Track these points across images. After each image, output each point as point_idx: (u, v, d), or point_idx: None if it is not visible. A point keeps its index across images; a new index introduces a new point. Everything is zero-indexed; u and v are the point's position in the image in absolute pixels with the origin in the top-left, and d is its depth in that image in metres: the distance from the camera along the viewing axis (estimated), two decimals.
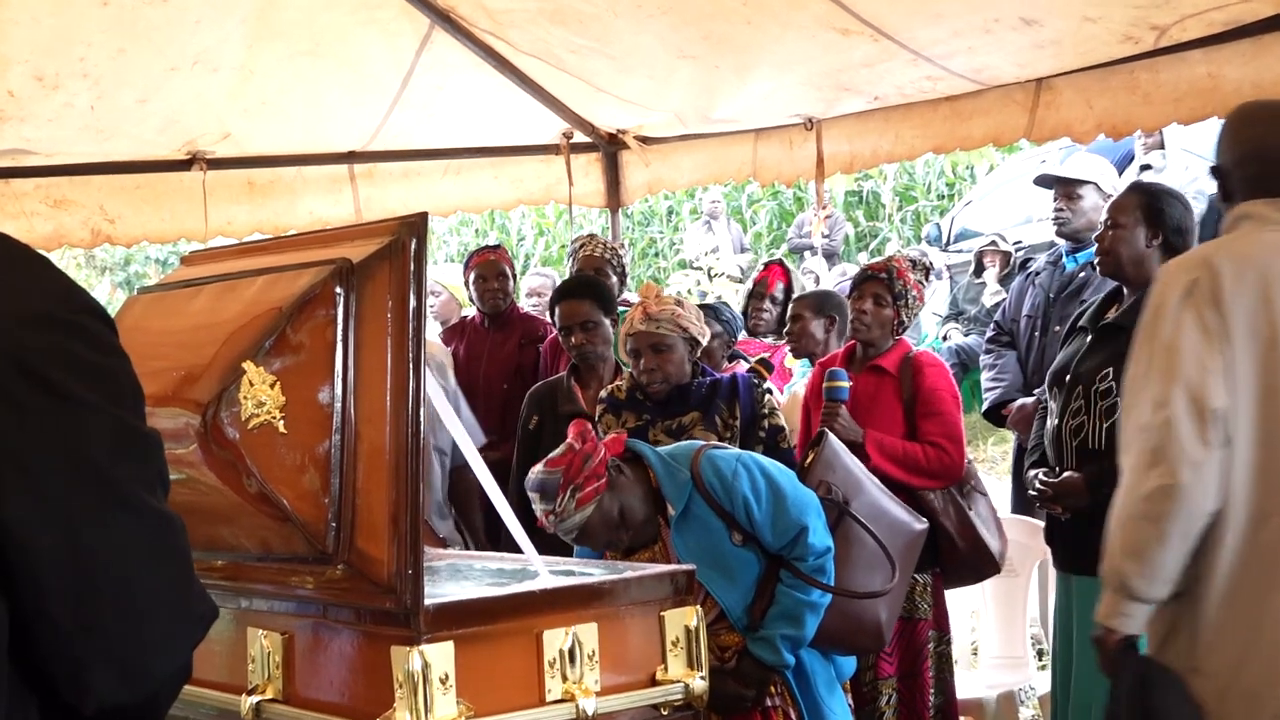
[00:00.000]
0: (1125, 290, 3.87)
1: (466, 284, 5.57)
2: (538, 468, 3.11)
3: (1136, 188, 4.06)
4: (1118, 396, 3.66)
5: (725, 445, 3.50)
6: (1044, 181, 5.88)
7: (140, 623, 1.28)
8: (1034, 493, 3.90)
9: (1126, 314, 3.77)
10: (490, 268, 5.43)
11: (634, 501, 3.19)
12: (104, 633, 1.25)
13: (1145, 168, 9.59)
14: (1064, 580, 3.93)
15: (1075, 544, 3.82)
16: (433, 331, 6.17)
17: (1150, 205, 3.86)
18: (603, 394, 4.05)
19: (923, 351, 4.36)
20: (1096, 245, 3.98)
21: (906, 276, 4.32)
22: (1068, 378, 3.82)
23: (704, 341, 3.97)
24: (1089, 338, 3.85)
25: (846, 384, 4.29)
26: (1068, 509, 3.79)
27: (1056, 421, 3.85)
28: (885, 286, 4.30)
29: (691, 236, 15.00)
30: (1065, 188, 5.51)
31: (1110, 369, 3.69)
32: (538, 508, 3.07)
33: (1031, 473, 3.92)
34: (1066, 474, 3.77)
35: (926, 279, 4.46)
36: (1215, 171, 2.76)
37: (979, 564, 4.16)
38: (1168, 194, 3.94)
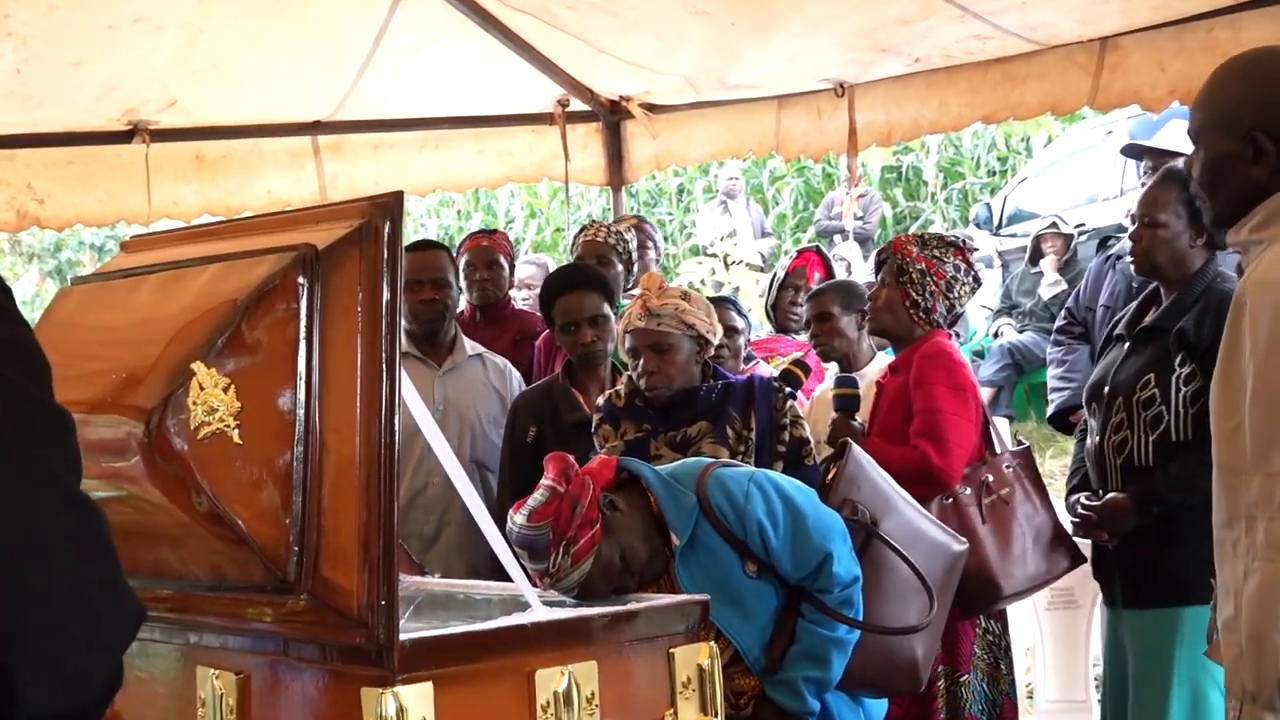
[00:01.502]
0: (1163, 292, 3.88)
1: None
2: (520, 519, 3.01)
3: (1175, 179, 3.99)
4: (1162, 405, 3.69)
5: (735, 462, 3.50)
6: (1133, 151, 5.85)
7: (72, 623, 1.29)
8: (1075, 519, 3.92)
9: (1166, 315, 3.79)
10: (481, 254, 5.45)
11: (635, 541, 3.14)
12: (32, 638, 1.26)
13: None
14: (1115, 617, 3.94)
15: (1131, 575, 3.83)
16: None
17: (1195, 202, 3.83)
18: (599, 401, 4.05)
19: (932, 343, 4.32)
20: (1131, 243, 3.96)
21: (907, 250, 4.34)
22: (1106, 390, 3.83)
23: (714, 340, 3.97)
24: (1126, 345, 3.86)
25: (856, 391, 4.31)
26: (1115, 534, 3.80)
27: (1098, 439, 3.86)
28: (887, 267, 4.35)
29: (705, 219, 15.01)
30: (1158, 160, 5.48)
31: (1151, 375, 3.72)
32: (528, 567, 3.00)
33: (1074, 498, 3.93)
34: (1110, 495, 3.79)
35: (960, 257, 4.38)
36: (1257, 139, 2.57)
37: (979, 591, 4.07)
38: None
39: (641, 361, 3.87)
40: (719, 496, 3.20)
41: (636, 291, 5.61)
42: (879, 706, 3.47)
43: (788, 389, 4.08)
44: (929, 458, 4.09)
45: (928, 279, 4.30)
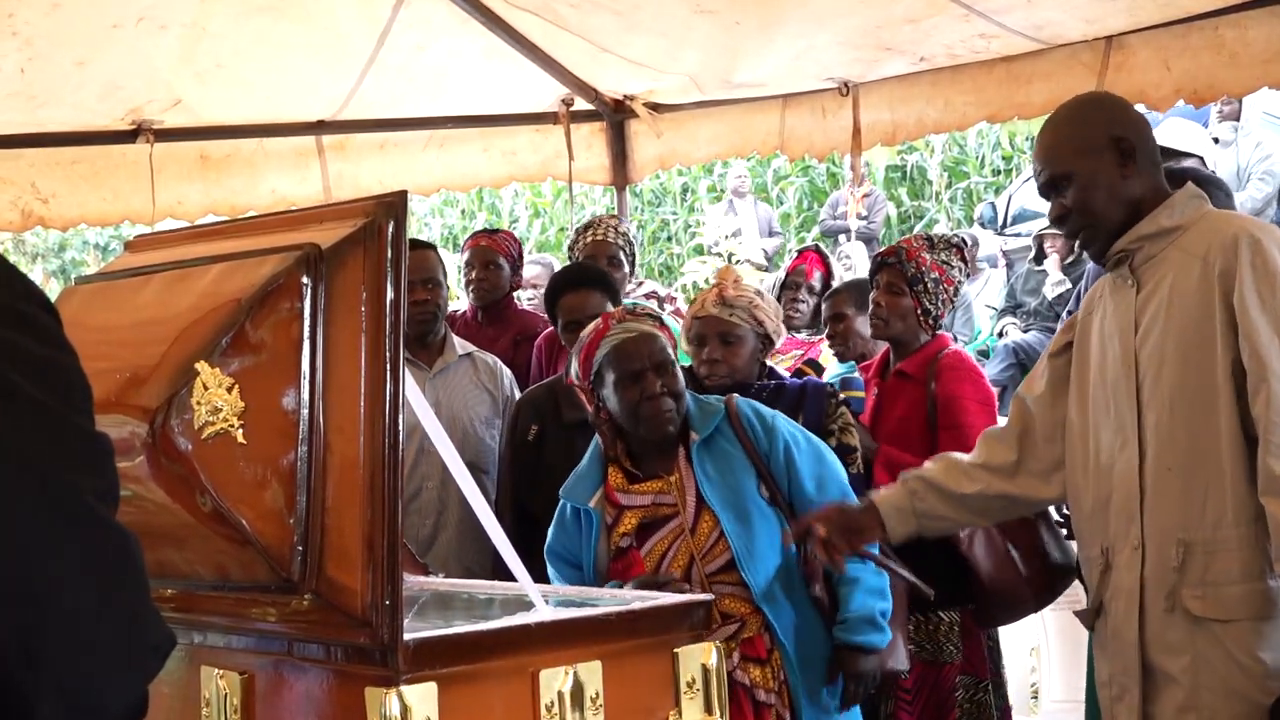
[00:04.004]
0: None
1: (459, 271, 5.61)
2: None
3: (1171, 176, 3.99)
4: None
5: None
6: None
7: (94, 652, 1.28)
8: (1060, 518, 3.89)
9: None
10: (479, 254, 5.43)
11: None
12: (53, 663, 1.25)
13: (1213, 141, 9.65)
14: None
15: None
16: None
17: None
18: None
19: (951, 352, 4.31)
20: None
21: (920, 258, 4.29)
22: None
23: (777, 342, 4.00)
24: None
25: (860, 394, 4.28)
26: None
27: None
28: (897, 272, 4.28)
29: (713, 218, 14.99)
30: (1168, 159, 5.46)
31: None
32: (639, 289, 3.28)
33: None
34: None
35: (960, 258, 4.37)
36: (1119, 141, 2.90)
37: (1011, 601, 4.05)
38: (1211, 182, 3.91)
39: (707, 349, 3.89)
40: (747, 410, 3.41)
41: (639, 290, 5.62)
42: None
43: (842, 395, 4.07)
44: None
45: (940, 286, 4.27)
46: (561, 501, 3.47)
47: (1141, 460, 2.85)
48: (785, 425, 3.40)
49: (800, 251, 5.90)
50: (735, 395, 3.46)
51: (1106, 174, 2.87)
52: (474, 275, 5.41)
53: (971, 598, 4.07)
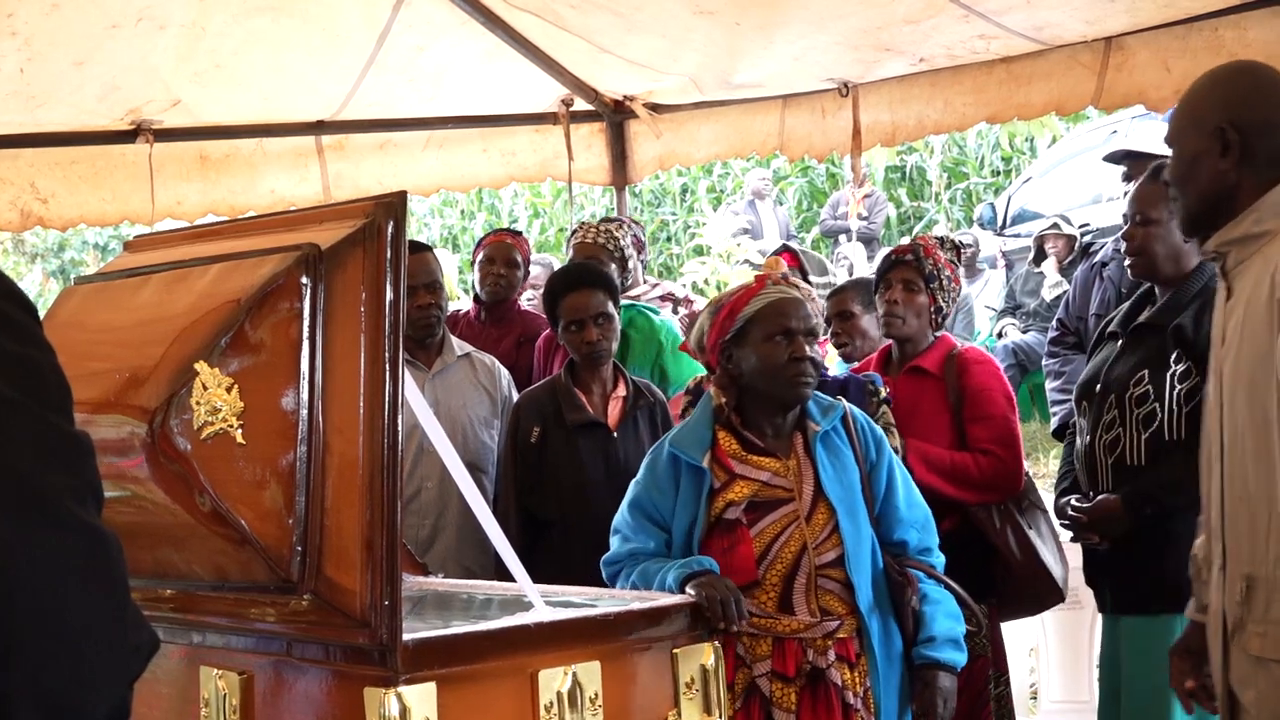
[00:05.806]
0: (1158, 290, 3.84)
1: (474, 266, 5.60)
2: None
3: (1164, 173, 3.96)
4: (1155, 402, 3.66)
5: None
6: (1115, 158, 5.83)
7: (69, 654, 1.27)
8: (1065, 522, 3.88)
9: (1161, 313, 3.75)
10: (502, 250, 5.45)
11: None
12: (27, 665, 1.25)
13: None
14: (1110, 622, 3.88)
15: (1123, 579, 3.79)
16: None
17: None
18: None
19: (969, 348, 4.37)
20: (1125, 245, 3.92)
21: (936, 255, 4.31)
22: (1098, 388, 3.80)
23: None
24: (1119, 342, 3.83)
25: (882, 391, 4.29)
26: (1106, 537, 3.77)
27: (1088, 439, 3.82)
28: (914, 270, 4.29)
29: (726, 218, 14.98)
30: (1140, 165, 5.48)
31: (1144, 372, 3.69)
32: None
33: (1063, 500, 3.89)
34: (1101, 497, 3.75)
35: (959, 259, 4.44)
36: (1224, 131, 2.71)
37: (1041, 591, 4.15)
38: None
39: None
40: (861, 419, 3.44)
41: (653, 291, 5.62)
42: None
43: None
44: (1007, 464, 4.13)
45: (951, 284, 4.32)
46: (662, 449, 3.40)
47: (1223, 482, 2.71)
48: (889, 446, 3.46)
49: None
50: (847, 405, 3.49)
51: (1203, 156, 2.73)
52: (495, 270, 5.42)
53: (994, 590, 4.11)
